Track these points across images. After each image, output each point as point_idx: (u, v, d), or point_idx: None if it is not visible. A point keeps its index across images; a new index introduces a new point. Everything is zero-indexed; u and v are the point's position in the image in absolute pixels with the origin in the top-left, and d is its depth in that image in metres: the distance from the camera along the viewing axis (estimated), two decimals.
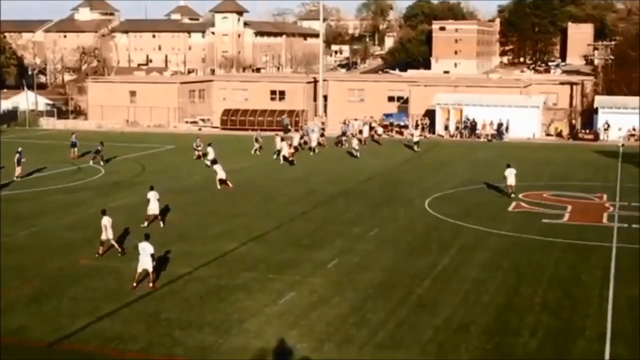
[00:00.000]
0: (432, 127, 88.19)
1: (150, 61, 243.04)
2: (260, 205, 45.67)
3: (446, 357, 23.12)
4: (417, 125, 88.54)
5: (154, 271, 29.81)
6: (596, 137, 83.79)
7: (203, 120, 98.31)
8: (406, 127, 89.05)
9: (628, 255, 34.98)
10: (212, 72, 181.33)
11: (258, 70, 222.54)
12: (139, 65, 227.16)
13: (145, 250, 29.51)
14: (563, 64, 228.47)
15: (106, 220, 33.68)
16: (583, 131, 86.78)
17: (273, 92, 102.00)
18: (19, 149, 55.10)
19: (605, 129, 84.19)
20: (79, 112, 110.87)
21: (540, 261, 33.99)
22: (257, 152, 69.39)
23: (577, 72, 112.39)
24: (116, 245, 34.00)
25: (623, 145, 77.45)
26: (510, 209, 45.05)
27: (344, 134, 78.09)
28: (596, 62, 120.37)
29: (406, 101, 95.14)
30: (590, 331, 25.38)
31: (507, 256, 34.80)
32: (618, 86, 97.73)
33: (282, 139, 66.25)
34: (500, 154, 68.82)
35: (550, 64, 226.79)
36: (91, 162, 61.24)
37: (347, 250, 35.40)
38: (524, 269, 32.68)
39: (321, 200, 47.06)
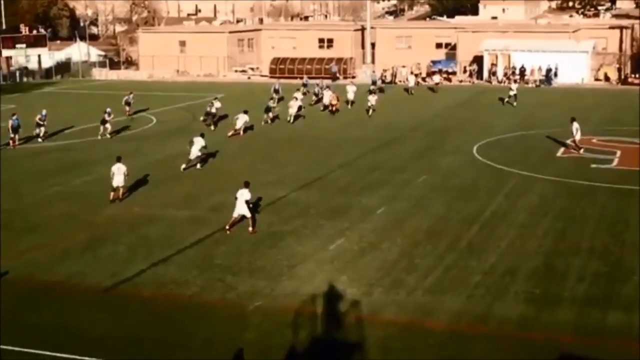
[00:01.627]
0: (479, 73, 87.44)
1: (199, 11, 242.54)
2: (308, 153, 45.77)
3: (494, 301, 23.20)
4: (464, 71, 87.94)
5: (252, 216, 30.26)
6: None
7: (252, 69, 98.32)
8: (454, 73, 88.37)
9: None
10: (261, 21, 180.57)
11: (306, 18, 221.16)
12: (188, 15, 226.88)
13: (243, 195, 30.00)
14: (613, 7, 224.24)
15: (116, 168, 34.18)
16: (633, 76, 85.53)
17: (321, 40, 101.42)
18: (107, 109, 52.43)
19: None
20: (130, 63, 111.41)
21: (588, 206, 33.78)
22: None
23: (627, 16, 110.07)
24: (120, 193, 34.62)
25: None
26: (559, 154, 44.69)
27: (373, 82, 76.63)
28: None
29: (454, 48, 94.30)
30: (638, 274, 25.27)
31: (554, 201, 34.63)
32: None
33: (328, 87, 66.38)
34: (549, 100, 68.20)
35: (599, 7, 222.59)
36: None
37: (396, 197, 35.45)
38: (571, 214, 32.51)
39: (369, 147, 46.99)
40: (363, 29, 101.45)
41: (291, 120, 56.11)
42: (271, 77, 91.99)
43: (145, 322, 21.92)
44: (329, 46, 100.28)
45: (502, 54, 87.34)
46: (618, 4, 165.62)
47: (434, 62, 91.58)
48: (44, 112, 51.02)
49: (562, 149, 45.71)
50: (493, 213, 32.70)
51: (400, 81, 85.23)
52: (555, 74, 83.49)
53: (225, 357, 19.59)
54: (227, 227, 30.08)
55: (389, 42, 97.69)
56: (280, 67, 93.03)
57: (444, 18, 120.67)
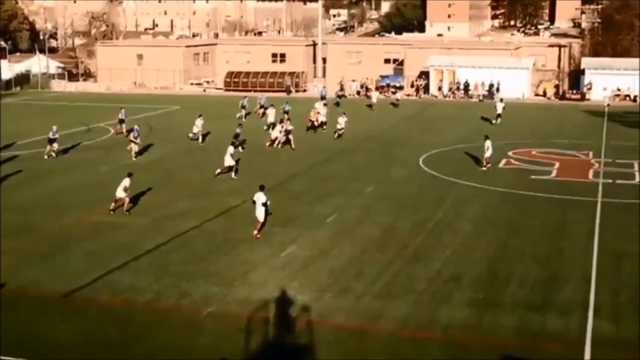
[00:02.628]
0: (426, 88, 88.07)
1: (157, 25, 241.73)
2: (262, 163, 45.64)
3: (439, 307, 23.28)
4: (411, 86, 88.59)
5: (264, 222, 30.34)
6: (582, 97, 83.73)
7: (207, 82, 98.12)
8: (402, 88, 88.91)
9: (612, 209, 35.11)
10: (216, 36, 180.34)
11: (260, 34, 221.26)
12: (145, 29, 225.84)
13: (259, 199, 30.15)
14: (552, 27, 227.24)
15: (127, 182, 33.74)
16: (570, 91, 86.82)
17: (274, 55, 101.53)
18: (53, 127, 48.18)
19: (589, 89, 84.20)
20: (88, 75, 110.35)
21: (529, 215, 34.11)
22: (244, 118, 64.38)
23: (565, 35, 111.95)
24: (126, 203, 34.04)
25: (609, 105, 77.28)
26: (500, 165, 45.06)
27: (322, 97, 75.09)
28: (583, 25, 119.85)
29: (401, 63, 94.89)
30: (575, 281, 25.55)
31: (497, 211, 34.92)
32: (604, 48, 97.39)
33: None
34: (491, 114, 68.73)
35: (539, 27, 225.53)
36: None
37: (346, 206, 35.50)
38: (513, 223, 32.81)
39: (321, 158, 47.03)
40: (315, 45, 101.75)
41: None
42: (226, 90, 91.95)
43: (102, 328, 21.63)
44: (282, 61, 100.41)
45: (447, 69, 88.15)
46: (557, 23, 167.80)
47: (383, 77, 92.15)
48: (54, 127, 47.57)
49: (503, 160, 46.10)
50: (438, 222, 32.85)
51: (350, 94, 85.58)
52: (498, 89, 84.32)
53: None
54: (256, 232, 30.22)
55: (339, 57, 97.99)
56: (235, 80, 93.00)
57: (392, 35, 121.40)
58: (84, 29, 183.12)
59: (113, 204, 33.93)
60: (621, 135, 56.95)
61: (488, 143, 43.15)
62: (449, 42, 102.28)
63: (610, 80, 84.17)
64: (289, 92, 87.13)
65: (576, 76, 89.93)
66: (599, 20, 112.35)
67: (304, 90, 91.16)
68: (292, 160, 46.46)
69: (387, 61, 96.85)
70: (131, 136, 48.02)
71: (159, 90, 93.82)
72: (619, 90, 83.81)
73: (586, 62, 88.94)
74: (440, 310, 23.07)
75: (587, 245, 29.53)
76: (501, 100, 64.30)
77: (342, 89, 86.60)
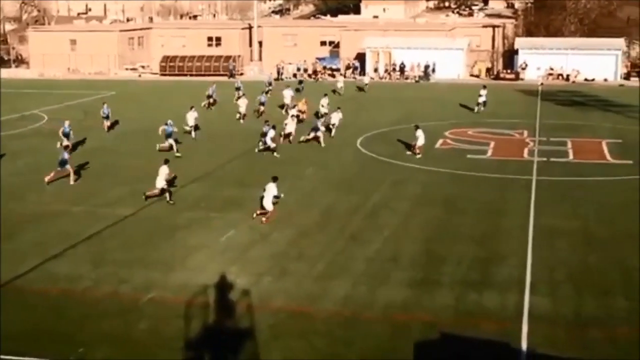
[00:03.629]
0: (362, 70, 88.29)
1: (90, 10, 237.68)
2: (201, 146, 45.34)
3: (378, 287, 23.42)
4: (347, 68, 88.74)
5: (274, 211, 30.16)
6: (517, 77, 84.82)
7: (142, 66, 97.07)
8: (338, 70, 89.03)
9: (547, 187, 35.66)
10: (150, 20, 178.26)
11: (195, 17, 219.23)
12: (78, 14, 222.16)
13: (270, 190, 30.00)
14: (486, 7, 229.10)
15: (166, 170, 33.17)
16: (505, 71, 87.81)
17: (210, 39, 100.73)
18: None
19: (523, 69, 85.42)
20: (20, 61, 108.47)
21: (466, 195, 34.46)
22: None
23: (499, 16, 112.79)
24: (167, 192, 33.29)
25: (542, 84, 78.34)
26: (437, 145, 45.42)
27: (269, 84, 73.96)
28: (516, 5, 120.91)
29: (337, 45, 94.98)
30: (512, 258, 25.90)
31: (435, 191, 35.21)
32: (537, 28, 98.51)
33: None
34: (428, 94, 69.29)
35: (473, 8, 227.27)
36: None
37: (285, 189, 35.38)
38: (450, 202, 33.10)
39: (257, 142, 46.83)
40: (250, 28, 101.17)
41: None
42: (161, 74, 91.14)
43: (40, 317, 21.33)
44: (218, 44, 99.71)
45: (383, 51, 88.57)
46: (490, 4, 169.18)
47: (319, 59, 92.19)
48: (66, 123, 45.20)
49: (440, 141, 46.48)
50: (377, 203, 33.02)
51: (287, 77, 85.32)
52: (433, 70, 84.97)
53: (120, 348, 19.28)
54: (264, 220, 30.12)
55: (275, 40, 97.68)
56: (171, 64, 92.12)
57: (328, 17, 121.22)
58: (14, 14, 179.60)
59: (149, 193, 33.30)
60: (555, 113, 57.81)
61: (419, 132, 42.96)
62: (384, 23, 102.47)
63: (543, 60, 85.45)
64: (232, 75, 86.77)
65: (510, 56, 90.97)
66: (531, 0, 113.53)
67: (241, 74, 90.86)
68: (231, 144, 46.21)
69: (323, 43, 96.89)
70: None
71: (94, 76, 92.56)
72: (552, 69, 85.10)
73: (520, 42, 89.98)
74: (379, 290, 23.21)
75: (523, 223, 29.94)
76: (484, 87, 60.50)
77: (279, 72, 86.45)
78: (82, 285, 23.66)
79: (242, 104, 55.25)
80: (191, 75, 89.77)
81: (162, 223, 30.09)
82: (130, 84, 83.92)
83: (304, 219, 30.61)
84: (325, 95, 55.25)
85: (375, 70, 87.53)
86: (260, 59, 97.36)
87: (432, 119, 47.69)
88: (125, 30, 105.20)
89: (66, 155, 36.21)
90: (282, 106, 57.42)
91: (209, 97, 60.89)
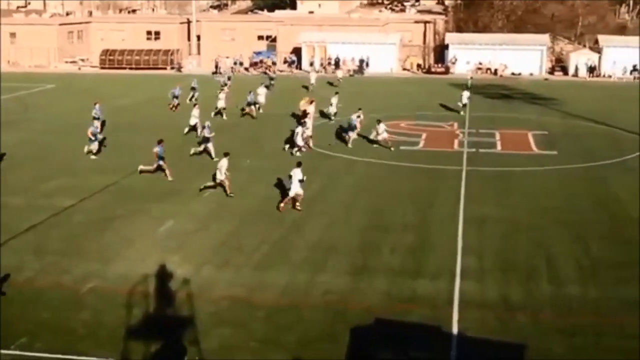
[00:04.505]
0: (299, 64, 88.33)
1: (29, 3, 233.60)
2: (141, 139, 44.85)
3: (317, 274, 23.49)
4: (284, 62, 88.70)
5: (298, 195, 30.20)
6: (447, 71, 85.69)
7: (82, 60, 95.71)
8: (274, 64, 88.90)
9: (476, 177, 36.11)
10: (90, 14, 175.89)
11: (134, 11, 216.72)
12: (18, 7, 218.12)
13: (296, 175, 29.93)
14: (417, 4, 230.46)
15: (225, 163, 32.58)
16: (435, 65, 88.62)
17: (149, 33, 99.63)
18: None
19: (453, 63, 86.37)
20: None
21: (400, 185, 34.71)
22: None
23: (430, 12, 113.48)
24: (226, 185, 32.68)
25: (471, 78, 79.08)
26: (371, 137, 45.55)
27: (229, 78, 72.47)
28: (447, 2, 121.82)
29: (274, 40, 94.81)
30: (444, 246, 26.19)
31: (370, 181, 35.41)
32: (466, 24, 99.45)
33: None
34: (362, 88, 69.50)
35: (405, 4, 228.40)
36: None
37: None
38: (385, 192, 33.30)
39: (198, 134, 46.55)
40: (189, 22, 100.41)
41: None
42: (101, 68, 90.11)
43: None
44: (157, 38, 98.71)
45: (319, 45, 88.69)
46: (422, 1, 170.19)
47: (257, 53, 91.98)
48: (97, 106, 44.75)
49: (373, 132, 46.60)
50: (316, 193, 33.03)
51: (224, 71, 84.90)
52: (367, 64, 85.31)
53: (61, 337, 19.05)
54: (282, 205, 30.20)
55: (213, 35, 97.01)
56: (110, 58, 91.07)
57: (265, 12, 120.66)
58: None
59: (212, 183, 32.90)
60: (483, 106, 58.46)
61: (382, 126, 43.07)
62: (320, 18, 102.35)
63: (472, 55, 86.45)
64: (179, 69, 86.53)
65: (441, 51, 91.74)
66: None
67: (180, 68, 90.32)
68: (170, 136, 45.73)
69: (260, 38, 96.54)
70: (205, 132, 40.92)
71: (34, 69, 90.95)
72: (480, 64, 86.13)
73: (450, 37, 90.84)
74: (317, 277, 23.29)
75: (454, 211, 30.27)
76: (467, 87, 58.86)
77: (217, 66, 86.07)
78: (23, 276, 23.28)
79: (222, 98, 53.15)
80: (131, 68, 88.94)
81: (102, 214, 29.75)
82: (70, 77, 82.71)
83: (242, 209, 30.53)
84: (337, 93, 53.61)
85: (311, 64, 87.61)
86: (198, 52, 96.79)
87: (368, 112, 47.82)
88: (65, 23, 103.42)
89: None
90: (251, 104, 53.85)
91: (175, 97, 56.71)
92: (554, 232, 27.83)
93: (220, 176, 32.43)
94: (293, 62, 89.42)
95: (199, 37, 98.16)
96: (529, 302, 21.56)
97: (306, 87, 68.80)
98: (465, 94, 55.99)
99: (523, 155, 41.51)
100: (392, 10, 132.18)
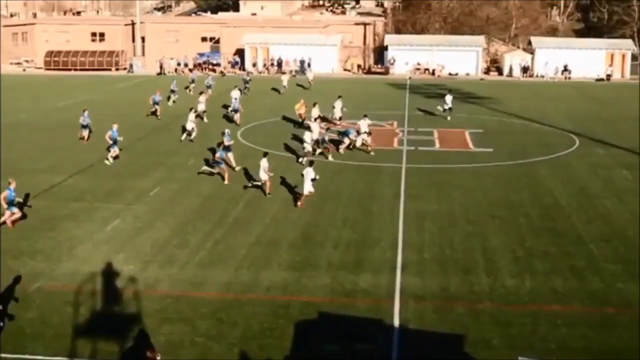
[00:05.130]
0: (242, 65, 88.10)
1: None
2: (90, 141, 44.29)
3: (260, 270, 23.42)
4: (228, 63, 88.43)
5: (311, 193, 30.48)
6: (386, 71, 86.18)
7: (27, 61, 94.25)
8: (219, 65, 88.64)
9: (415, 173, 36.35)
10: (34, 15, 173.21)
11: (78, 13, 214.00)
12: None
13: (309, 174, 30.04)
14: (357, 6, 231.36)
15: (265, 163, 32.16)
16: (375, 66, 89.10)
17: (94, 34, 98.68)
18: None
19: (392, 64, 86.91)
20: None
21: (340, 182, 34.79)
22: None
23: (370, 14, 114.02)
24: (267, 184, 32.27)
25: (410, 78, 79.74)
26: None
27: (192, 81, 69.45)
28: (386, 4, 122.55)
29: (218, 41, 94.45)
30: (384, 241, 26.30)
31: None
32: (405, 26, 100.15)
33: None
34: (304, 88, 69.52)
35: (346, 6, 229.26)
36: None
37: (168, 179, 35.06)
38: (326, 189, 33.30)
39: (140, 134, 46.17)
40: (133, 24, 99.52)
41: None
42: (46, 69, 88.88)
43: None
44: (102, 40, 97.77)
45: (261, 47, 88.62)
46: (362, 3, 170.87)
47: (201, 55, 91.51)
48: (86, 112, 43.14)
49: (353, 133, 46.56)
50: (257, 190, 32.94)
51: (168, 72, 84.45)
52: (309, 65, 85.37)
53: (9, 337, 18.69)
54: (299, 204, 30.29)
55: (158, 36, 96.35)
56: (55, 59, 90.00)
57: (209, 14, 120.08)
58: None
59: (256, 183, 32.46)
60: (422, 105, 58.85)
61: (365, 123, 42.77)
62: (262, 20, 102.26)
63: (411, 56, 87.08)
64: (130, 70, 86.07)
65: (380, 52, 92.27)
66: (399, 0, 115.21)
67: (125, 69, 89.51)
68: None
69: (204, 39, 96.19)
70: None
71: None
72: (419, 64, 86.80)
73: (389, 39, 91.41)
74: (261, 273, 23.22)
75: (394, 207, 30.44)
76: (450, 91, 55.68)
77: (161, 67, 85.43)
78: None
79: (203, 101, 51.55)
80: (75, 70, 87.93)
81: (48, 214, 29.29)
82: (15, 78, 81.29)
83: (186, 207, 30.33)
84: (340, 97, 50.86)
85: (254, 65, 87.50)
86: (143, 54, 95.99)
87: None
88: (9, 25, 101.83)
89: None
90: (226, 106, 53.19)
91: (156, 103, 53.16)
92: (490, 225, 28.15)
93: (264, 176, 32.04)
94: (236, 63, 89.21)
95: (143, 39, 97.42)
96: (467, 294, 21.77)
97: (277, 90, 68.11)
98: (449, 98, 53.16)
99: (460, 152, 41.91)
100: (333, 12, 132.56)
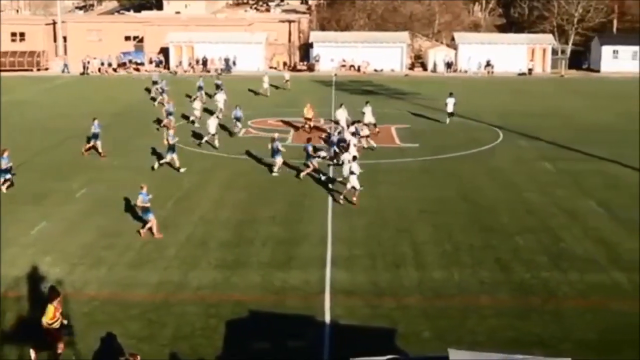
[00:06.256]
0: (167, 64, 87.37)
1: None
2: (9, 139, 43.34)
3: (189, 270, 23.28)
4: (150, 62, 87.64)
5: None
6: (312, 68, 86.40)
7: None
8: (142, 64, 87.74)
9: None
10: None
11: None
12: None
13: (354, 169, 30.37)
14: (282, 3, 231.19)
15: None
16: (301, 63, 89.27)
17: (14, 34, 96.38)
18: None
19: (317, 61, 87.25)
20: None
21: (270, 179, 34.78)
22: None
23: (295, 11, 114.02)
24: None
25: (336, 75, 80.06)
26: (240, 135, 45.49)
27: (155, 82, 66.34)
28: (310, 2, 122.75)
29: (142, 40, 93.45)
30: (314, 237, 26.38)
31: (241, 177, 35.33)
32: (329, 23, 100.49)
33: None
34: (231, 86, 69.16)
35: (270, 4, 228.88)
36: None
37: (95, 180, 34.57)
38: (256, 187, 33.29)
39: (67, 134, 45.41)
40: (54, 23, 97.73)
41: None
42: None
43: None
44: (22, 40, 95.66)
45: (186, 45, 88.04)
46: (286, 1, 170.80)
47: (124, 54, 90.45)
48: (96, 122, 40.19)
49: (243, 130, 46.53)
50: (187, 190, 32.76)
51: (92, 72, 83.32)
52: (234, 63, 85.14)
53: None
54: (345, 199, 30.23)
55: (80, 35, 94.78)
56: None
57: (132, 13, 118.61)
58: None
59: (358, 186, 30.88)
60: (348, 102, 59.03)
61: (367, 109, 42.46)
62: (186, 19, 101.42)
63: (336, 52, 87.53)
64: (67, 71, 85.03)
65: (306, 49, 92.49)
66: None
67: (46, 69, 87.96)
68: (41, 136, 44.49)
69: (127, 38, 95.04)
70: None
71: None
72: (344, 61, 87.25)
73: (314, 36, 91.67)
74: (190, 273, 23.08)
75: (323, 204, 30.55)
76: (451, 94, 50.89)
77: (85, 67, 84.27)
78: None
79: (197, 106, 50.19)
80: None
81: None
82: None
83: (113, 209, 29.95)
84: (341, 105, 47.08)
85: (179, 64, 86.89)
86: (65, 53, 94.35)
87: (246, 110, 47.51)
88: None
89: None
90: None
91: (169, 114, 48.56)
92: (418, 220, 28.48)
93: (354, 181, 30.76)
94: (160, 62, 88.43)
95: (65, 38, 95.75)
96: (396, 288, 21.98)
97: (253, 91, 66.56)
98: (451, 101, 49.91)
99: (387, 148, 42.24)
100: (258, 10, 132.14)
